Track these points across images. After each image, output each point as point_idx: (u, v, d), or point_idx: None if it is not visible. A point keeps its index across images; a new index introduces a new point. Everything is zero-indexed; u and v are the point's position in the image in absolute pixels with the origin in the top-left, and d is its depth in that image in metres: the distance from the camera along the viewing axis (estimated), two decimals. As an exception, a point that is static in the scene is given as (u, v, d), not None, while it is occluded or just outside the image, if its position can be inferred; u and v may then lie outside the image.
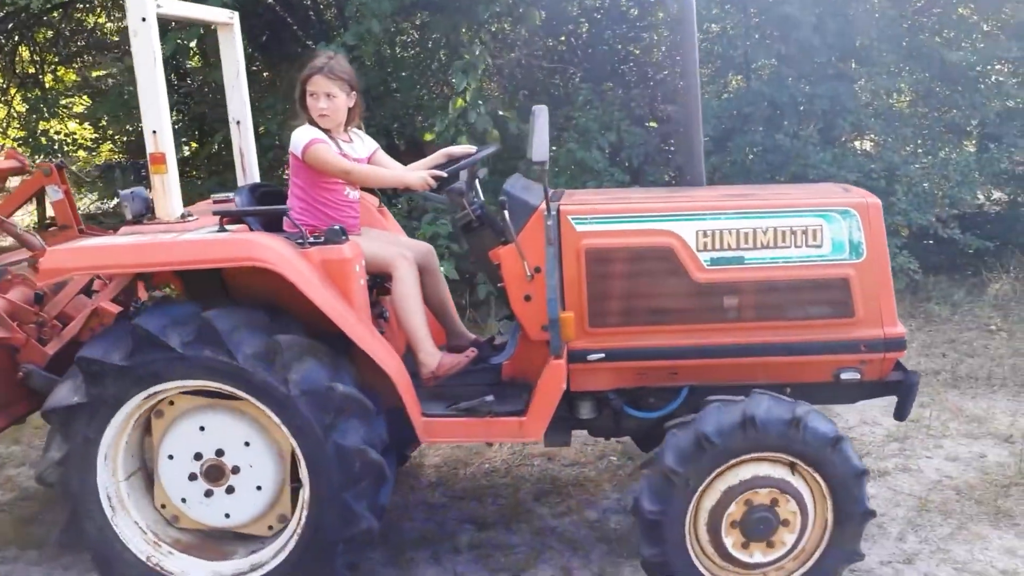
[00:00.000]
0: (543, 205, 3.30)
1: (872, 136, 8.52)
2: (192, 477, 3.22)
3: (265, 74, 9.50)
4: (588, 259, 3.26)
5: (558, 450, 4.59)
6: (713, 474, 3.00)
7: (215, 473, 3.22)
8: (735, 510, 3.02)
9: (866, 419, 4.97)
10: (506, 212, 3.27)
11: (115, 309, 3.82)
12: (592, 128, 7.36)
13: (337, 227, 3.27)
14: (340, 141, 3.60)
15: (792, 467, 3.04)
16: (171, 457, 3.23)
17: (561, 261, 3.27)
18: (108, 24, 11.64)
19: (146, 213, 3.35)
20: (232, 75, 3.99)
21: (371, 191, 4.14)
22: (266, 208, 3.47)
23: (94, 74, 12.42)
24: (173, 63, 8.57)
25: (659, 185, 7.66)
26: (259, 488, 3.22)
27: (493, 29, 8.38)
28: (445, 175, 3.43)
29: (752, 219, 3.23)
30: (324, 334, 3.16)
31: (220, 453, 3.21)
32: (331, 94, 3.52)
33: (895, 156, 7.41)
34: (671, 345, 3.29)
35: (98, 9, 11.29)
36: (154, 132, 3.20)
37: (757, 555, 3.07)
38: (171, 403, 3.23)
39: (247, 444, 3.19)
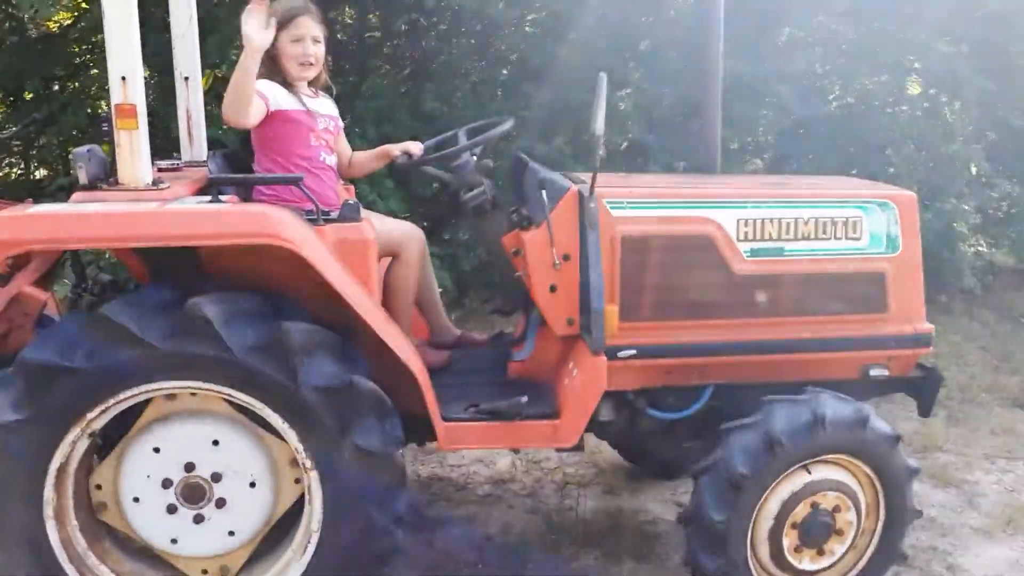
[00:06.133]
0: (575, 187, 3.00)
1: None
2: (172, 510, 2.68)
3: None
4: (624, 247, 2.99)
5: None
6: (780, 478, 2.81)
7: (195, 493, 2.68)
8: (798, 513, 2.85)
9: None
10: (543, 192, 2.94)
11: (41, 295, 3.13)
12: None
13: (352, 201, 2.81)
14: (303, 96, 3.15)
15: (846, 467, 2.91)
16: (137, 500, 2.69)
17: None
18: None
19: (104, 178, 2.74)
20: (184, 22, 3.40)
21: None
22: (278, 176, 2.93)
23: None
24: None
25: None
26: (252, 485, 2.71)
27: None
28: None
29: (793, 209, 3.08)
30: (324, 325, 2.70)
31: (190, 468, 2.68)
32: (317, 38, 3.09)
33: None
34: (706, 341, 3.07)
35: None
36: (123, 79, 2.61)
37: (806, 562, 2.91)
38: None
39: (216, 443, 2.68)
